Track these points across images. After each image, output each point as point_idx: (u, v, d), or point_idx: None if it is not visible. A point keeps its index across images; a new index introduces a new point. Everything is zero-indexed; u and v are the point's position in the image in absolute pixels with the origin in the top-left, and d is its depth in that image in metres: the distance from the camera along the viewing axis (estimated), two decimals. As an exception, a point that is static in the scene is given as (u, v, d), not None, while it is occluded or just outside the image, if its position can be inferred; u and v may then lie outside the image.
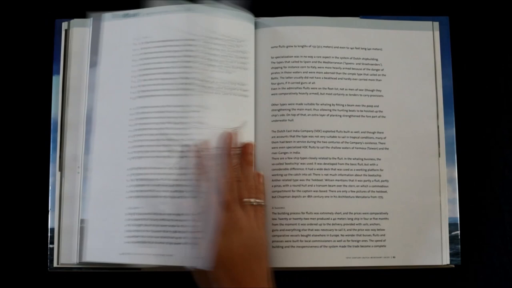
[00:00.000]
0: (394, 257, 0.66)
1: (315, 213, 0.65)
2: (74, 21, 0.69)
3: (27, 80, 0.71)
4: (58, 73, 0.68)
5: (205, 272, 0.58)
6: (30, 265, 0.68)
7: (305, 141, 0.66)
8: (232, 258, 0.57)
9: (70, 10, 0.72)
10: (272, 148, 0.67)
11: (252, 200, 0.62)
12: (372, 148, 0.67)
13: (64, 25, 0.69)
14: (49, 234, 0.66)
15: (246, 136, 0.66)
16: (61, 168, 0.67)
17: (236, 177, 0.62)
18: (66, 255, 0.65)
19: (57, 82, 0.68)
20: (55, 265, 0.66)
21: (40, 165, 0.68)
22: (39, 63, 0.70)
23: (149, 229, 0.63)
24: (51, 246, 0.66)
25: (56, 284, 0.68)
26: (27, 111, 0.70)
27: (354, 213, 0.66)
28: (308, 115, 0.67)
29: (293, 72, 0.68)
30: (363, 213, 0.66)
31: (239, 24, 0.68)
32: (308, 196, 0.66)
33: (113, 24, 0.69)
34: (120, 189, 0.65)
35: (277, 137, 0.67)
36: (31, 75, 0.71)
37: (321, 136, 0.67)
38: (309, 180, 0.66)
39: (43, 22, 0.71)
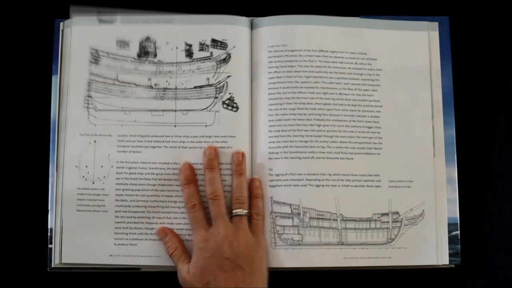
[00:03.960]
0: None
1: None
2: (68, 21, 0.69)
3: (26, 80, 0.71)
4: (57, 73, 0.68)
5: None
6: (30, 265, 0.68)
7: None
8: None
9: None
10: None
11: (238, 211, 0.63)
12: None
13: (61, 25, 0.69)
14: (49, 234, 0.66)
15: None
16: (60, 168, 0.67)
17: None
18: (66, 255, 0.65)
19: (56, 82, 0.68)
20: (54, 265, 0.66)
21: (39, 165, 0.68)
22: (39, 63, 0.70)
23: None
24: (50, 246, 0.66)
25: (56, 284, 0.68)
26: (27, 111, 0.70)
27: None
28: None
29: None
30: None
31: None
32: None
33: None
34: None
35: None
36: (31, 75, 0.71)
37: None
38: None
39: (43, 22, 0.71)
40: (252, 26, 0.69)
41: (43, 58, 0.70)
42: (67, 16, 0.70)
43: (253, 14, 0.69)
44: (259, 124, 0.67)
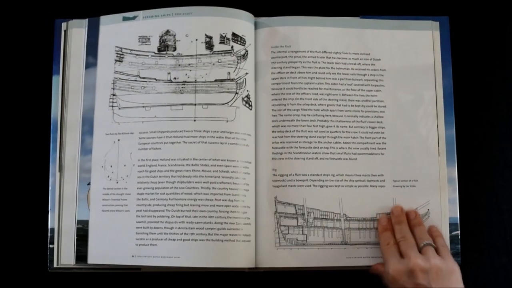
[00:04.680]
0: None
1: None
2: (73, 22, 0.69)
3: (27, 80, 0.71)
4: (58, 74, 0.68)
5: None
6: (30, 265, 0.68)
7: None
8: None
9: (70, 10, 0.72)
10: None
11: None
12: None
13: (63, 25, 0.69)
14: (49, 234, 0.66)
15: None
16: (60, 169, 0.67)
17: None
18: (66, 255, 0.65)
19: (57, 82, 0.68)
20: (55, 265, 0.66)
21: (40, 165, 0.68)
22: (39, 63, 0.70)
23: None
24: (51, 246, 0.66)
25: (56, 284, 0.68)
26: (27, 111, 0.70)
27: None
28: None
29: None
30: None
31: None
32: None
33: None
34: None
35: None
36: (31, 75, 0.71)
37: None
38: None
39: (43, 22, 0.71)
40: (255, 26, 0.69)
41: (44, 58, 0.70)
42: (67, 16, 0.70)
43: (256, 14, 0.69)
44: (263, 124, 0.67)
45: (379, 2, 0.72)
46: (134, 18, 0.68)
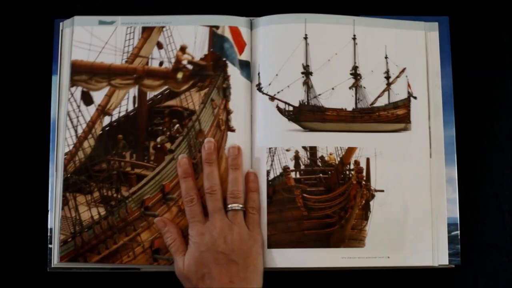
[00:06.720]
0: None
1: None
2: (67, 22, 0.69)
3: (26, 80, 0.71)
4: (57, 73, 0.68)
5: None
6: (30, 265, 0.68)
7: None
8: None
9: (70, 10, 0.72)
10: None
11: (234, 206, 0.63)
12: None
13: (61, 25, 0.69)
14: (48, 234, 0.66)
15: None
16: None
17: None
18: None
19: (56, 82, 0.68)
20: (54, 265, 0.66)
21: (40, 165, 0.68)
22: (39, 63, 0.70)
23: None
24: (50, 246, 0.66)
25: (56, 284, 0.68)
26: (27, 111, 0.70)
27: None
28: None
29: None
30: None
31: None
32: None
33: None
34: None
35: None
36: (31, 75, 0.71)
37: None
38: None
39: (43, 22, 0.71)
40: (251, 26, 0.69)
41: (43, 58, 0.70)
42: (67, 16, 0.70)
43: (252, 14, 0.69)
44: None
45: (379, 2, 0.72)
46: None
